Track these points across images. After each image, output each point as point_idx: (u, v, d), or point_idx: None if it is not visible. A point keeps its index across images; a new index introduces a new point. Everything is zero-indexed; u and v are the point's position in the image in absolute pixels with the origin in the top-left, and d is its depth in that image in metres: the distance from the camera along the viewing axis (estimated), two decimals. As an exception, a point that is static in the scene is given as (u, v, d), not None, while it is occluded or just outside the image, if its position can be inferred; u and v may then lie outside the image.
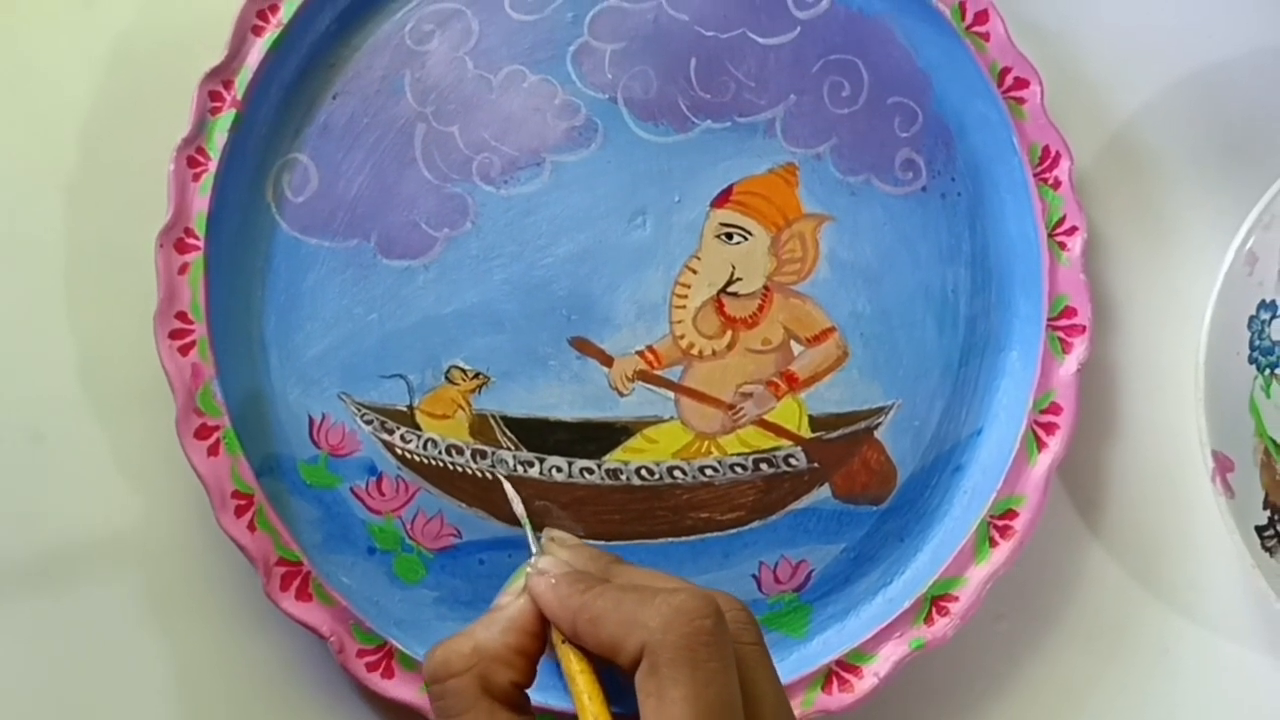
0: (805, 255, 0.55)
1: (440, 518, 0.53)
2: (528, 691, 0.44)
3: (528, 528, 0.50)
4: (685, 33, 0.55)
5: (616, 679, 0.43)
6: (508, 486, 0.51)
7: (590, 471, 0.53)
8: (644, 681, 0.40)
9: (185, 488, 0.52)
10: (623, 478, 0.54)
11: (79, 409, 0.53)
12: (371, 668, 0.51)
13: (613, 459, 0.54)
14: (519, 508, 0.50)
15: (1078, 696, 0.57)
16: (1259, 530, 0.54)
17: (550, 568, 0.45)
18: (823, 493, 0.55)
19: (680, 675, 0.39)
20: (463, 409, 0.53)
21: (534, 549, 0.48)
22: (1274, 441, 0.56)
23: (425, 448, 0.53)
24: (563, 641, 0.44)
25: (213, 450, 0.51)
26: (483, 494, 0.53)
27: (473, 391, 0.53)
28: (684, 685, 0.39)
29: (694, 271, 0.54)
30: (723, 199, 0.55)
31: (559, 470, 0.53)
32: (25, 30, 0.55)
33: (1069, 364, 0.55)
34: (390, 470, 0.53)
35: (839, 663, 0.53)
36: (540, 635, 0.44)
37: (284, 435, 0.52)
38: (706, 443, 0.54)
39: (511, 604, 0.44)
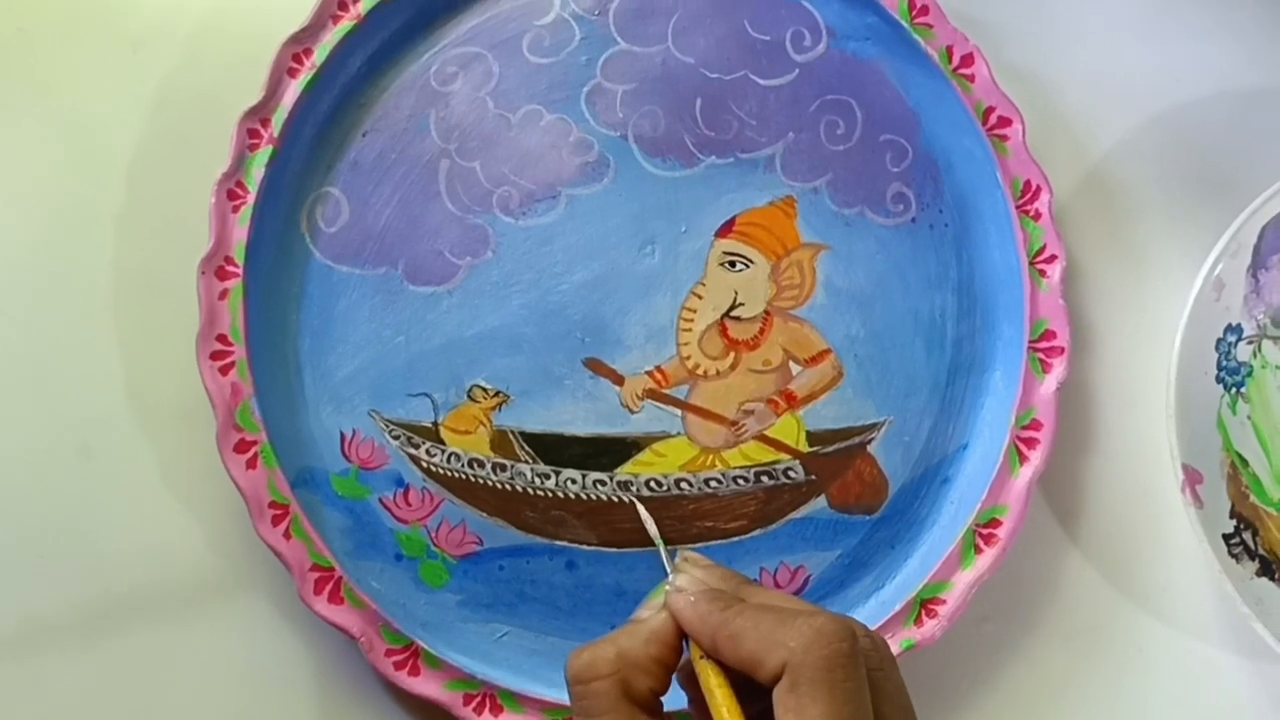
0: (803, 282, 0.56)
1: (463, 526, 0.54)
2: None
3: (661, 547, 0.50)
4: (691, 75, 0.56)
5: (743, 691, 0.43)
6: (641, 509, 0.51)
7: (603, 483, 0.54)
8: (784, 697, 0.40)
9: (225, 499, 0.53)
10: (633, 489, 0.55)
11: (126, 426, 0.54)
12: (399, 666, 0.52)
13: (624, 472, 0.55)
14: (653, 528, 0.50)
15: (1057, 693, 0.58)
16: (1226, 538, 0.56)
17: (689, 585, 0.45)
18: (819, 503, 0.56)
19: (819, 694, 0.40)
20: (484, 425, 0.54)
21: (669, 567, 0.47)
22: (1240, 455, 0.57)
23: (449, 461, 0.54)
24: (701, 656, 0.44)
25: (251, 464, 0.52)
26: (503, 504, 0.54)
27: (493, 409, 0.54)
28: (823, 703, 0.39)
29: (699, 297, 0.56)
30: (726, 229, 0.56)
31: (574, 482, 0.54)
32: (77, 73, 0.56)
33: (1049, 383, 0.56)
34: (416, 482, 0.54)
35: (835, 662, 0.54)
36: (678, 648, 0.44)
37: (317, 450, 0.54)
38: (711, 457, 0.55)
39: (653, 617, 0.45)
